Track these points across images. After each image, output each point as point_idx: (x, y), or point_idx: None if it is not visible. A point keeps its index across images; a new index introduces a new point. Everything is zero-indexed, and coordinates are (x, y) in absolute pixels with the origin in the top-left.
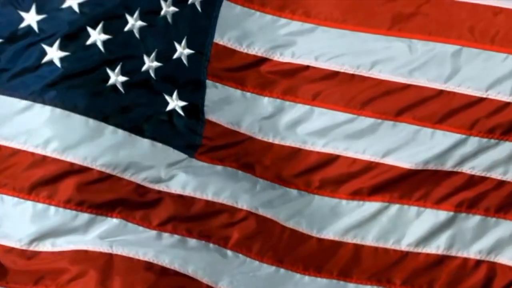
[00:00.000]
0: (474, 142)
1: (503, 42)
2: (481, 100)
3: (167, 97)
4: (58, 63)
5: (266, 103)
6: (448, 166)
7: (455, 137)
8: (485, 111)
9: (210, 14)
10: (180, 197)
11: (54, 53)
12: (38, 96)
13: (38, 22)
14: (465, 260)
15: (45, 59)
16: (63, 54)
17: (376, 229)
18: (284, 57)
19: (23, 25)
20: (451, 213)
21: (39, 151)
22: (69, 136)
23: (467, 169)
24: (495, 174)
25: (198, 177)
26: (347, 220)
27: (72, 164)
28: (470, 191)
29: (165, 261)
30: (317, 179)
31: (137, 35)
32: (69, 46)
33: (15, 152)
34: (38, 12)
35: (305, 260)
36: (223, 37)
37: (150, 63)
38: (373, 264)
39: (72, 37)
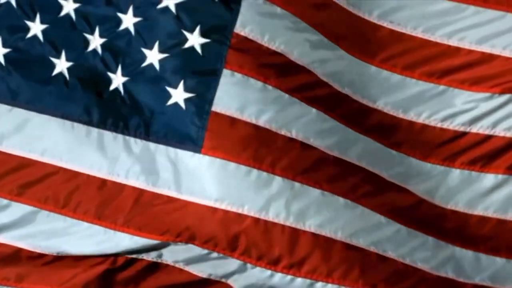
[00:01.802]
0: (456, 175)
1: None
2: (463, 134)
3: (170, 90)
4: (66, 75)
5: (287, 99)
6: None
7: (438, 169)
8: (467, 145)
9: (230, 2)
10: (185, 203)
11: (62, 65)
12: (53, 110)
13: (43, 32)
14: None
15: (55, 72)
16: (69, 64)
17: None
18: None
19: (29, 35)
20: (449, 246)
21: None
22: (62, 143)
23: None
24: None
25: (202, 179)
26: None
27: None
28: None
29: (168, 260)
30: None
31: (132, 32)
32: (72, 56)
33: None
34: (42, 21)
35: (327, 265)
36: (246, 27)
37: (153, 57)
38: (396, 277)
39: (74, 46)
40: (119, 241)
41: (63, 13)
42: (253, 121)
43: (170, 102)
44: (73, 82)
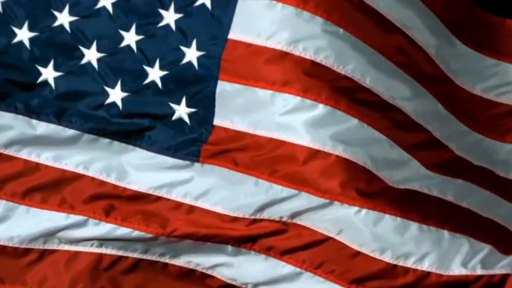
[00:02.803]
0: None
1: None
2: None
3: (173, 106)
4: (52, 84)
5: (285, 100)
6: None
7: None
8: None
9: (224, 9)
10: (179, 205)
11: (48, 74)
12: (34, 113)
13: (30, 40)
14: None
15: (40, 79)
16: (57, 74)
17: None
18: (307, 52)
19: (15, 40)
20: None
21: (33, 158)
22: (63, 147)
23: None
24: None
25: (200, 184)
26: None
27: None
28: None
29: (154, 255)
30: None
31: (134, 49)
32: (63, 66)
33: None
34: (31, 29)
35: (314, 260)
36: (240, 32)
37: (154, 74)
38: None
39: (66, 57)
40: (111, 231)
41: (56, 23)
42: (251, 131)
43: (174, 117)
44: (59, 90)
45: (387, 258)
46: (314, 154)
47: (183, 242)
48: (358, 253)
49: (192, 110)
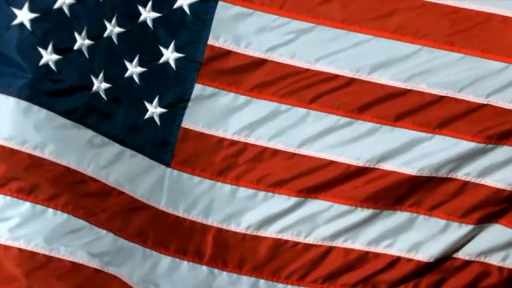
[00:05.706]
0: (471, 146)
1: (503, 52)
2: (481, 106)
3: (147, 104)
4: (53, 67)
5: (261, 107)
6: (443, 172)
7: (451, 141)
8: (484, 118)
9: (202, 16)
10: (156, 210)
11: (49, 56)
12: (38, 100)
13: (31, 21)
14: (454, 260)
15: (42, 62)
16: (57, 57)
17: (368, 233)
18: (284, 57)
19: (15, 22)
20: (444, 221)
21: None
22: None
23: (461, 175)
24: (490, 180)
25: (171, 191)
26: (338, 224)
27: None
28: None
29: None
30: (311, 184)
31: (115, 41)
32: (61, 50)
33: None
34: (31, 10)
35: (286, 269)
36: (219, 38)
37: (133, 69)
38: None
39: (63, 41)
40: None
41: (56, 5)
42: (221, 135)
43: (147, 116)
44: (63, 75)
45: (359, 245)
46: (292, 156)
47: (160, 265)
48: (330, 248)
49: (163, 110)
